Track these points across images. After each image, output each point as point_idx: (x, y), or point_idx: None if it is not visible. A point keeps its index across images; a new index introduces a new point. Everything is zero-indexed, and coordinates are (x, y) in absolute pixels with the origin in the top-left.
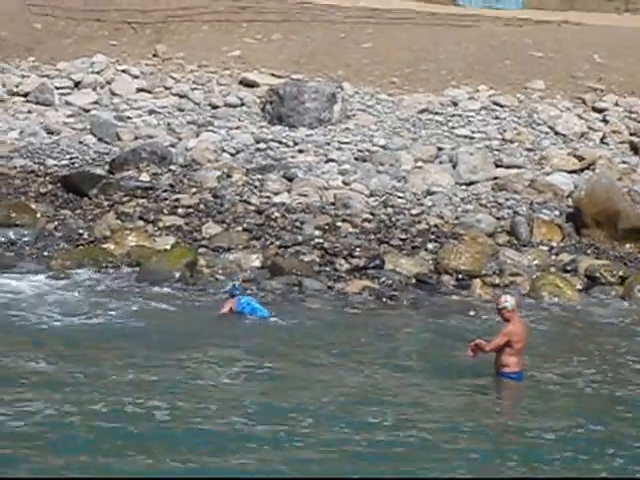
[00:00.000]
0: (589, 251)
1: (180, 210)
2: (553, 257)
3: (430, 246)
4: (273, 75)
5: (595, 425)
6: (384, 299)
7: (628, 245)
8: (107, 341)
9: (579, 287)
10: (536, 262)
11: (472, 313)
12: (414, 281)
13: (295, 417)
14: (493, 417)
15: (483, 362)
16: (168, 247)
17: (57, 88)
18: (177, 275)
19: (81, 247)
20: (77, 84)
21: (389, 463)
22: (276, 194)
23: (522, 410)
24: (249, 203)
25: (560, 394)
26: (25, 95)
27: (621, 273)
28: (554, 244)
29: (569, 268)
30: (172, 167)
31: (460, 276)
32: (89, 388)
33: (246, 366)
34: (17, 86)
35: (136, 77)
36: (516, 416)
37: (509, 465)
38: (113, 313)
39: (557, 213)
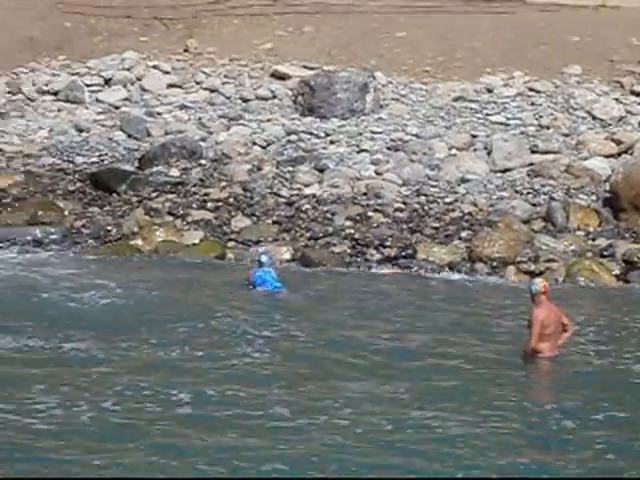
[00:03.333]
0: (627, 235)
1: (209, 204)
2: (590, 242)
3: (464, 234)
4: (305, 67)
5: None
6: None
7: None
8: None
9: (616, 272)
10: (572, 248)
11: (504, 298)
12: (447, 270)
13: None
14: (522, 393)
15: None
16: (196, 241)
17: (87, 86)
18: None
19: (109, 244)
20: (107, 81)
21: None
22: (307, 186)
23: (551, 388)
24: (279, 195)
25: (591, 375)
26: (55, 93)
27: None
28: (591, 229)
29: (606, 253)
30: (202, 161)
31: (494, 264)
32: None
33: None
34: (47, 85)
35: (167, 73)
36: (544, 393)
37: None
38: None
39: (594, 198)
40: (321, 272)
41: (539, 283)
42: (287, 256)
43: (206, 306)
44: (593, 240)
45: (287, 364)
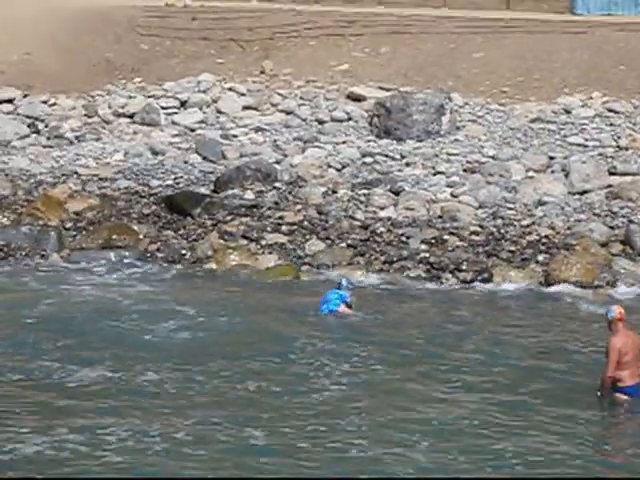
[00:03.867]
0: None
1: (284, 227)
2: None
3: (540, 258)
4: (381, 88)
5: None
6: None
7: None
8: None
9: None
10: None
11: (584, 321)
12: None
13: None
14: (595, 438)
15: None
16: (270, 265)
17: (163, 108)
18: None
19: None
20: (183, 103)
21: None
22: (382, 209)
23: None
24: (354, 218)
25: None
26: (131, 116)
27: None
28: None
29: None
30: (277, 184)
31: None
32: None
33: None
34: (123, 107)
35: (242, 95)
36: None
37: None
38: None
39: None
40: (399, 290)
41: (615, 310)
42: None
43: (282, 334)
44: None
45: (364, 399)
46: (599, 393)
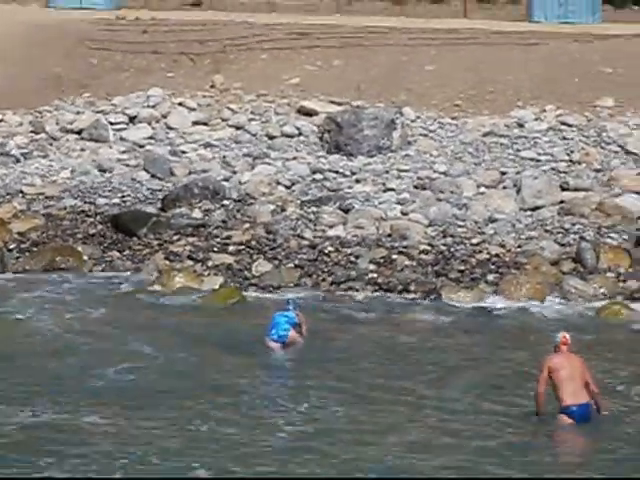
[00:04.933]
0: None
1: (231, 247)
2: (620, 284)
3: (490, 277)
4: (333, 102)
5: None
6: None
7: None
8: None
9: None
10: (602, 290)
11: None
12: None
13: None
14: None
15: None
16: (216, 287)
17: (112, 124)
18: None
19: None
20: (132, 119)
21: None
22: (331, 227)
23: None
24: (303, 238)
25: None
26: (79, 132)
27: None
28: (622, 270)
29: (637, 296)
30: (225, 202)
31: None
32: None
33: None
34: (71, 123)
35: (193, 110)
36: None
37: None
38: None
39: (626, 237)
40: (347, 313)
41: (559, 335)
42: None
43: (230, 369)
44: (624, 282)
45: (316, 439)
46: (537, 414)
